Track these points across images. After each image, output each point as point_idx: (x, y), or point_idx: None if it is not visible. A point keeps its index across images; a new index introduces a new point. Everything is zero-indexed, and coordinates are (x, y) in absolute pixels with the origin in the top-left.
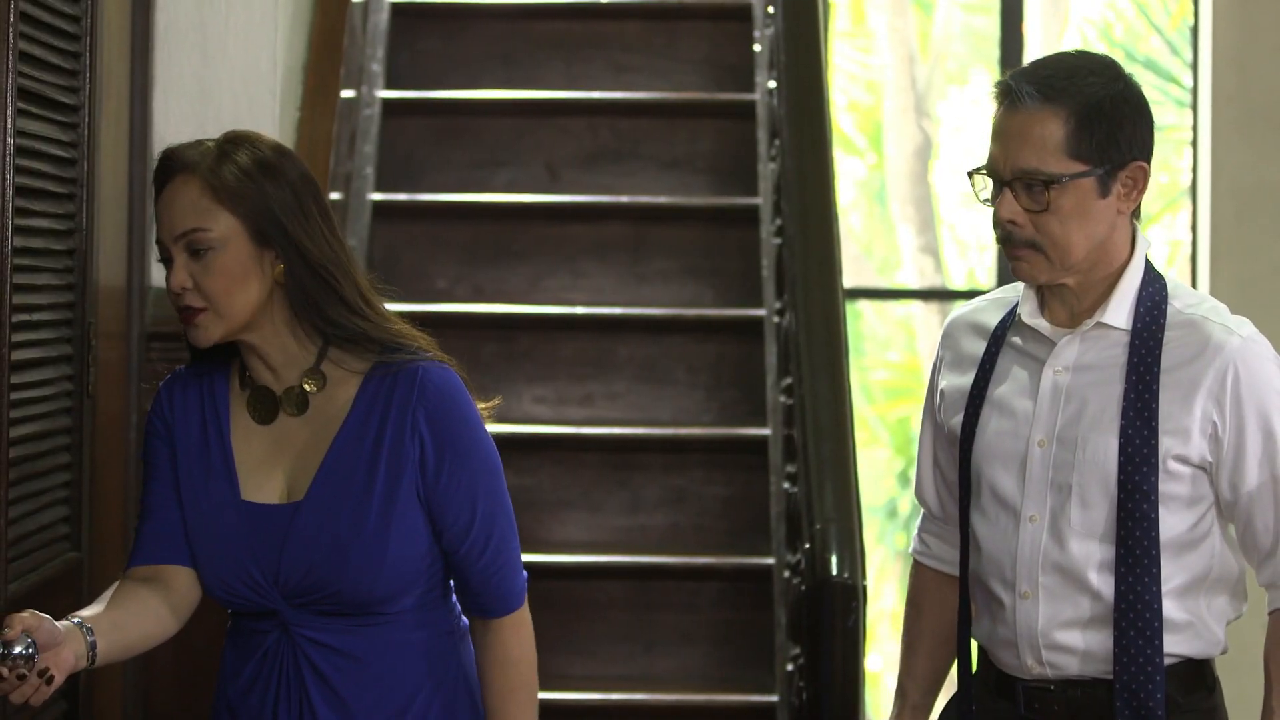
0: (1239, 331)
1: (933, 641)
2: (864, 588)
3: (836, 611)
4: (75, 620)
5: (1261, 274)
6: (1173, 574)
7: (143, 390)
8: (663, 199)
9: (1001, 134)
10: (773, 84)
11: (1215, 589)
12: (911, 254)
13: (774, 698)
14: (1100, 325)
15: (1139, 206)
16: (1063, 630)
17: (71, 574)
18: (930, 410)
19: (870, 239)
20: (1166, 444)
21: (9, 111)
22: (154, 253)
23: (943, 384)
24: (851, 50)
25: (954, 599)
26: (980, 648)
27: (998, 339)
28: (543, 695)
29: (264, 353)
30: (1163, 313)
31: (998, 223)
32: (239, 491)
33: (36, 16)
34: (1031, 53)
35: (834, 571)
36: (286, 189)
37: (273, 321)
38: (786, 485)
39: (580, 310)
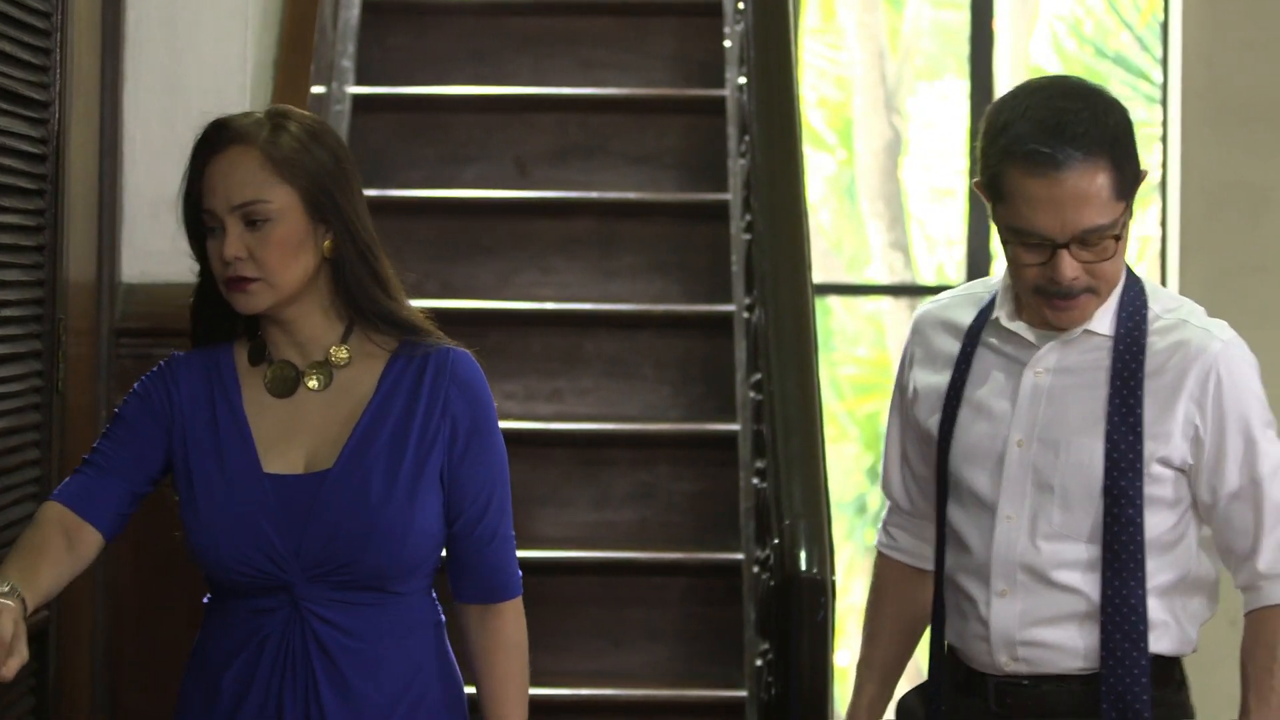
0: (1220, 335)
1: (893, 633)
2: (833, 583)
3: (805, 607)
4: (10, 590)
5: (1231, 270)
6: (1155, 572)
7: (112, 386)
8: (632, 195)
9: (1049, 200)
10: (742, 80)
11: (1192, 590)
12: (881, 250)
13: (743, 693)
14: (1086, 332)
15: None
16: (1039, 628)
17: None
18: (900, 405)
19: (840, 235)
20: (1150, 448)
21: None
22: (124, 248)
23: (915, 381)
24: (821, 46)
25: (916, 592)
26: (947, 646)
27: (973, 339)
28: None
29: (294, 327)
30: (1144, 317)
31: (1055, 282)
32: (259, 463)
33: (6, 12)
34: (1001, 49)
35: (803, 567)
36: (334, 163)
37: (312, 296)
38: (755, 481)
39: (549, 306)
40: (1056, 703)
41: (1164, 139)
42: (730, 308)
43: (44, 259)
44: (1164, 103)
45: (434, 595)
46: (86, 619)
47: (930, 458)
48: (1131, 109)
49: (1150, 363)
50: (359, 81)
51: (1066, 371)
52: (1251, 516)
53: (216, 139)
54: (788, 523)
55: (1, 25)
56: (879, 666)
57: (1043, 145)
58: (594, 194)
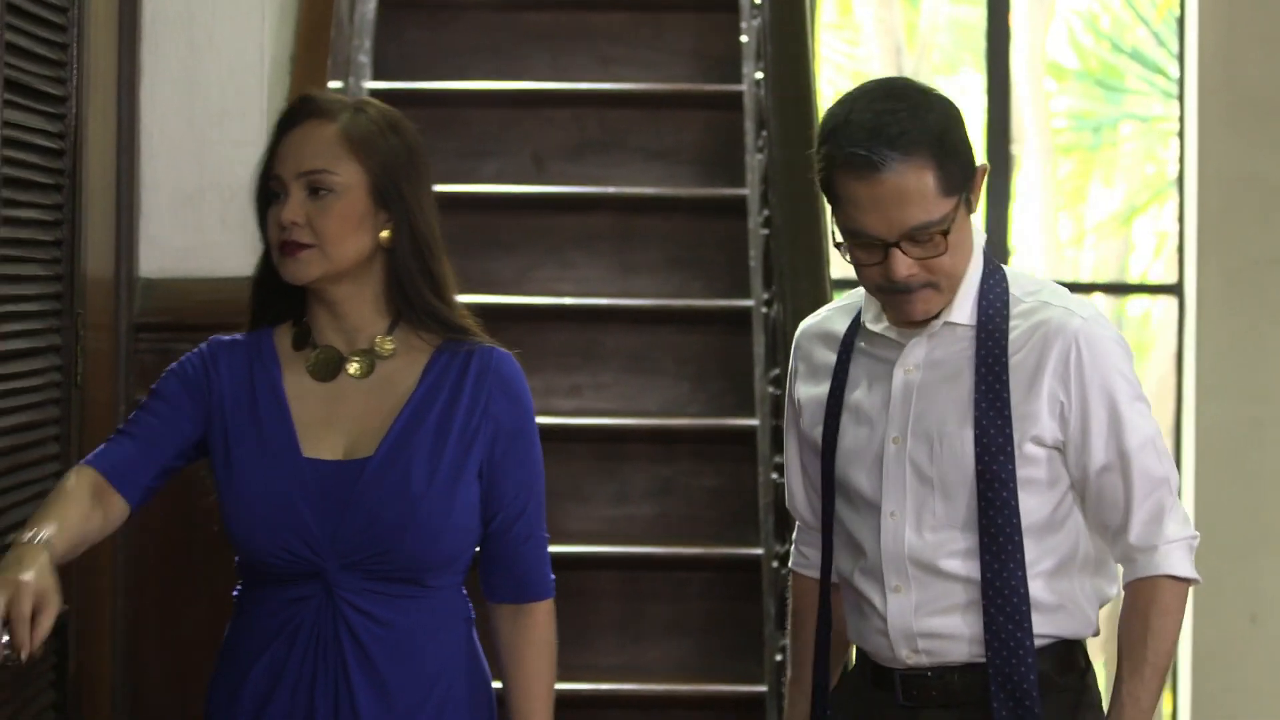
0: (1080, 313)
1: (820, 652)
2: None
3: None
4: (41, 539)
5: (1248, 264)
6: (1040, 556)
7: (131, 381)
8: (650, 190)
9: (872, 201)
10: (759, 75)
11: (1084, 570)
12: None
13: (762, 688)
14: (947, 324)
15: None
16: (935, 618)
17: (60, 566)
18: (792, 421)
19: None
20: (1021, 429)
21: None
22: (142, 243)
23: (799, 395)
24: (838, 41)
25: (836, 607)
26: (856, 647)
27: (847, 346)
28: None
29: (342, 310)
30: (1005, 303)
31: (891, 279)
32: (299, 448)
33: (23, 7)
34: (1018, 44)
35: None
36: (408, 157)
37: (363, 281)
38: (775, 476)
39: (568, 301)
40: (960, 692)
41: (1180, 134)
42: (749, 303)
43: (62, 254)
44: (1180, 98)
45: (465, 592)
46: (107, 614)
47: None
48: (1148, 104)
49: (1013, 345)
50: (376, 76)
51: (934, 365)
52: (1122, 490)
53: (299, 111)
54: None
55: (18, 20)
56: (807, 686)
57: (860, 148)
58: (612, 189)
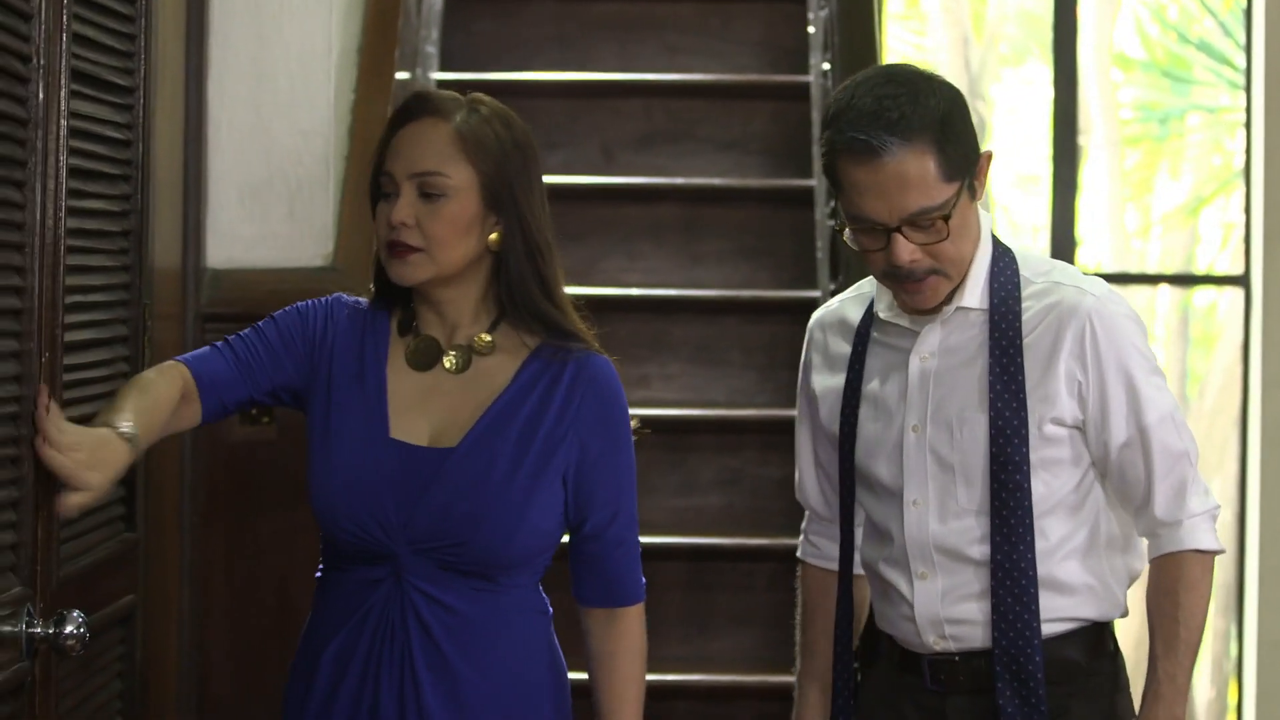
0: (1092, 290)
1: (829, 641)
2: None
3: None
4: (128, 434)
5: None
6: (1065, 537)
7: None
8: (717, 180)
9: (873, 186)
10: (827, 66)
11: (1111, 548)
12: None
13: None
14: (960, 309)
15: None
16: (960, 604)
17: (128, 554)
18: (806, 412)
19: None
20: (1039, 411)
21: (62, 93)
22: (209, 234)
23: (815, 386)
24: (905, 32)
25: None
26: (883, 633)
27: (862, 337)
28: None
29: (445, 309)
30: (1016, 285)
31: (895, 265)
32: (388, 428)
33: None
34: (1085, 35)
35: None
36: (521, 158)
37: (469, 283)
38: None
39: (635, 292)
40: (987, 677)
41: (1247, 125)
42: (815, 294)
43: (130, 244)
44: (1247, 89)
45: (540, 589)
46: (174, 604)
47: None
48: (1214, 95)
49: (1026, 327)
50: (443, 67)
51: (949, 352)
52: (1143, 465)
53: (415, 108)
54: None
55: (86, 11)
56: (820, 676)
57: (861, 133)
58: (680, 179)
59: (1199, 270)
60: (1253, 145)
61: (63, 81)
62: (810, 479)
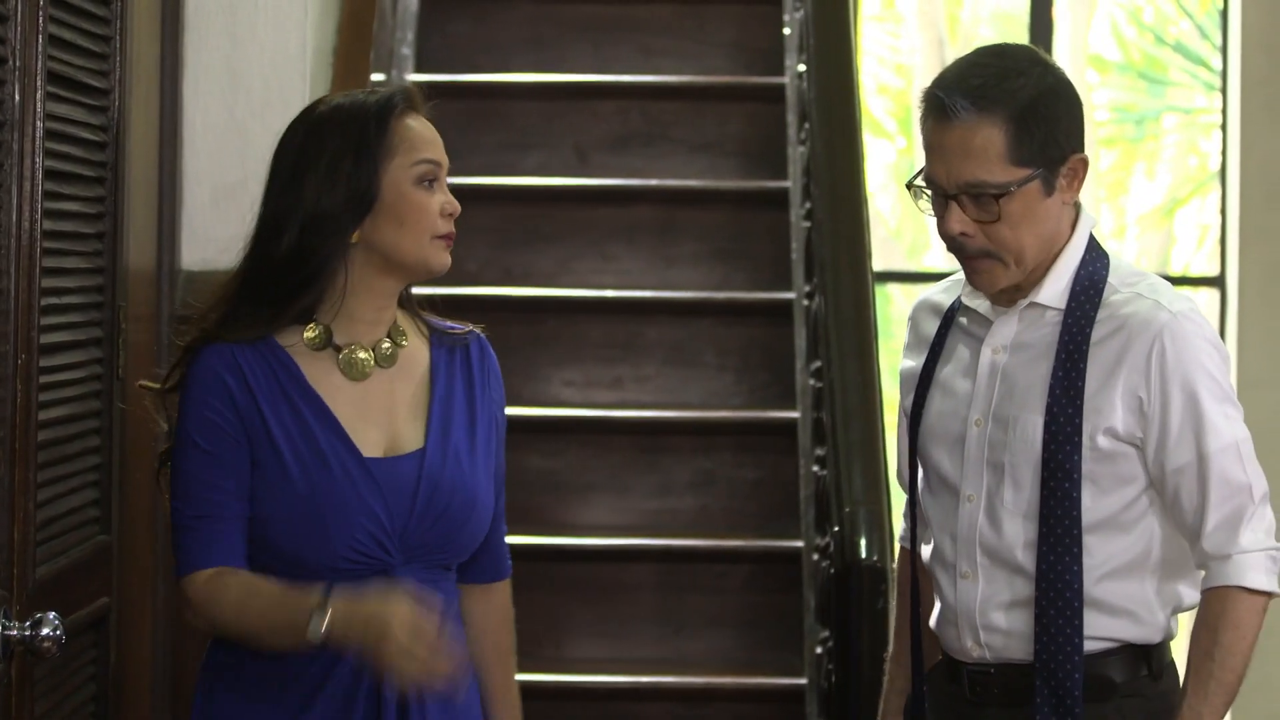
0: (1170, 307)
1: (922, 626)
2: (893, 571)
3: (865, 594)
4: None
5: None
6: (1109, 557)
7: None
8: (692, 182)
9: (939, 148)
10: (802, 67)
11: (1160, 574)
12: (939, 238)
13: (803, 680)
14: (1034, 305)
15: None
16: (999, 611)
17: (101, 557)
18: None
19: (899, 222)
20: (1093, 421)
21: (39, 95)
22: (184, 235)
23: (902, 366)
24: (881, 34)
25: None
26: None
27: (947, 321)
28: (571, 678)
29: (378, 305)
30: (1099, 290)
31: (947, 235)
32: (356, 448)
33: (67, 0)
34: (1061, 37)
35: (863, 554)
36: None
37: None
38: (815, 468)
39: (609, 293)
40: (1021, 691)
41: (1223, 126)
42: (790, 295)
43: (104, 246)
44: (1224, 90)
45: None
46: (148, 606)
47: None
48: (1191, 97)
49: (1096, 334)
50: (418, 69)
51: (1020, 348)
52: (1197, 493)
53: (416, 96)
54: (848, 510)
55: (61, 13)
56: (909, 664)
57: (939, 91)
58: (654, 181)
59: (1174, 271)
60: (1229, 147)
61: (39, 84)
62: (905, 462)
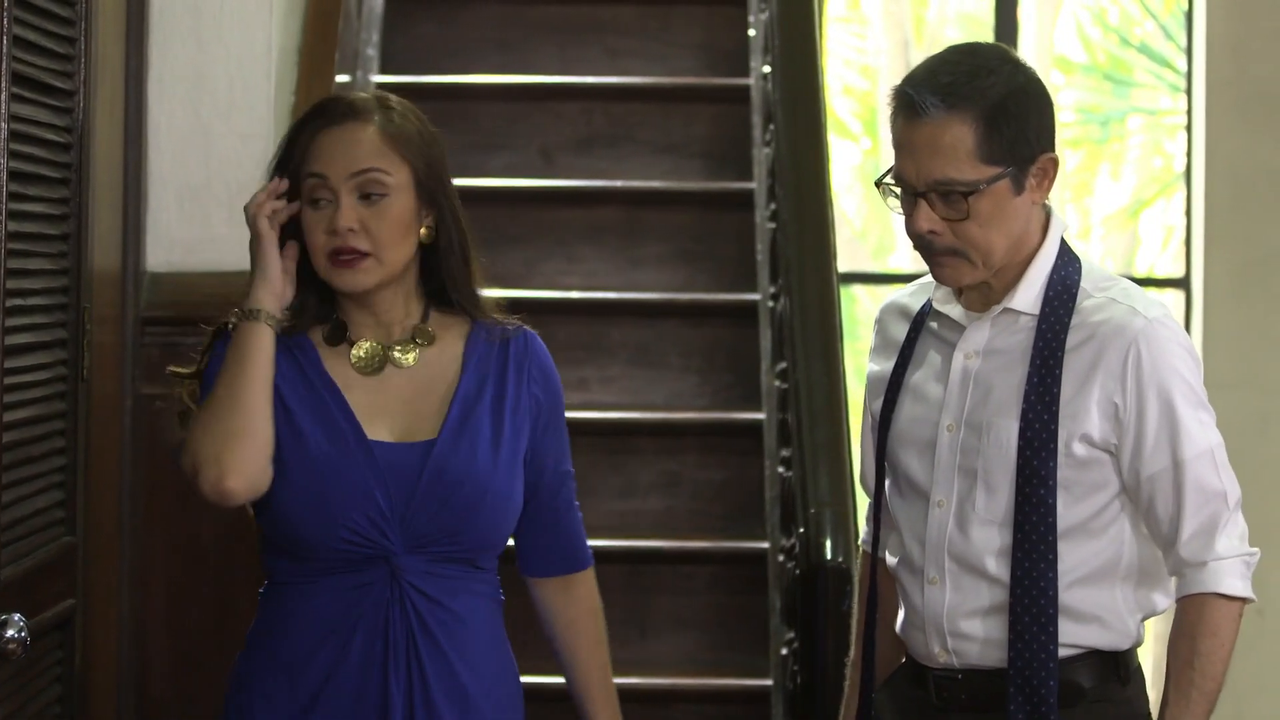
0: (1145, 313)
1: (884, 630)
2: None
3: (830, 596)
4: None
5: (1256, 258)
6: (1079, 563)
7: (137, 374)
8: (657, 183)
9: (908, 145)
10: (767, 69)
11: (1130, 580)
12: (905, 238)
13: (768, 681)
14: (1007, 310)
15: None
16: (967, 618)
17: (66, 558)
18: (866, 397)
19: (865, 223)
20: (1069, 427)
21: (3, 96)
22: (149, 237)
23: (869, 369)
24: (846, 35)
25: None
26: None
27: (918, 324)
28: (537, 679)
29: (381, 309)
30: (1072, 296)
31: (915, 233)
32: (364, 433)
33: (32, 1)
34: (1026, 38)
35: (828, 556)
36: (439, 148)
37: (404, 279)
38: (781, 469)
39: (574, 294)
40: (988, 698)
41: (1189, 128)
42: (755, 296)
43: (69, 248)
44: (1189, 91)
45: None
46: (114, 607)
47: None
48: (1156, 98)
49: (1071, 339)
50: (383, 70)
51: (994, 353)
52: (1173, 500)
53: (333, 112)
54: (813, 511)
55: (26, 14)
56: (874, 667)
57: (909, 88)
58: (619, 183)
59: (1139, 273)
60: (1194, 148)
61: (3, 85)
62: (869, 465)
